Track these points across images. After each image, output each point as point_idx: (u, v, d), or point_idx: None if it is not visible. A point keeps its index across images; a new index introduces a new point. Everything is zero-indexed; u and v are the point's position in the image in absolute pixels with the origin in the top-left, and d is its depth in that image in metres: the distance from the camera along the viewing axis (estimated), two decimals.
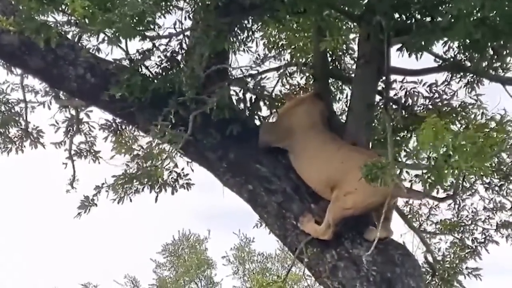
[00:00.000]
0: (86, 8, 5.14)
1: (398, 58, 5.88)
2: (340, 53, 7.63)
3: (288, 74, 7.40)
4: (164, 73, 6.36)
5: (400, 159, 6.65)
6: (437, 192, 6.95)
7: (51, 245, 25.07)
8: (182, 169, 6.80)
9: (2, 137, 7.91)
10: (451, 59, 6.59)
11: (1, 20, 5.72)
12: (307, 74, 7.46)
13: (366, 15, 6.02)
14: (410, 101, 6.98)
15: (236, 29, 6.19)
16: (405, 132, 7.01)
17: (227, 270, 20.40)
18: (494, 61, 6.54)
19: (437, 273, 7.77)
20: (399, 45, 5.84)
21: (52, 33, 5.61)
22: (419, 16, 5.74)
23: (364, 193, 5.42)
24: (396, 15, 5.81)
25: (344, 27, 7.24)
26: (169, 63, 6.46)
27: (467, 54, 6.35)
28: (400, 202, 7.70)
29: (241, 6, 6.01)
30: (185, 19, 6.50)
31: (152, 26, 5.62)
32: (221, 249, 20.61)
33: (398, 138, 7.00)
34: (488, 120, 6.58)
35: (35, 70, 6.54)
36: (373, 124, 6.76)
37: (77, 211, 6.74)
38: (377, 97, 6.71)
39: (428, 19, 5.67)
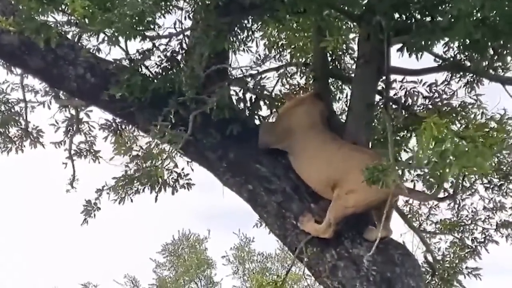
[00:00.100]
0: (86, 8, 5.15)
1: (398, 58, 5.89)
2: (340, 53, 7.63)
3: (288, 75, 7.41)
4: (164, 73, 6.36)
5: (400, 159, 6.64)
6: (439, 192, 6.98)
7: (51, 245, 25.07)
8: (182, 169, 6.81)
9: (2, 137, 7.92)
10: (451, 59, 6.58)
11: (1, 20, 5.72)
12: (307, 74, 7.47)
13: (366, 15, 6.02)
14: (410, 101, 6.99)
15: (236, 29, 6.20)
16: (405, 132, 7.01)
17: (227, 270, 20.41)
18: (494, 61, 6.54)
19: (437, 273, 7.77)
20: (399, 45, 5.83)
21: (52, 33, 5.62)
22: (419, 16, 5.74)
23: (366, 191, 5.42)
24: (396, 15, 5.80)
25: (344, 27, 7.25)
26: (169, 63, 6.46)
27: (467, 54, 6.34)
28: (400, 202, 7.71)
29: (241, 5, 6.01)
30: (185, 19, 6.52)
31: (152, 26, 5.62)
32: (221, 248, 20.62)
33: (398, 138, 7.01)
34: (488, 119, 6.59)
35: (35, 70, 6.54)
36: (373, 124, 6.77)
37: (80, 214, 6.83)
38: (377, 97, 6.71)
39: (428, 19, 5.67)
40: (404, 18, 5.80)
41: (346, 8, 6.30)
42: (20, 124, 7.92)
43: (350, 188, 5.66)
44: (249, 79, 6.40)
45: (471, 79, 6.93)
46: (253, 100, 6.49)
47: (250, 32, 6.42)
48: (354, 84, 6.54)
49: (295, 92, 7.38)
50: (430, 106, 6.98)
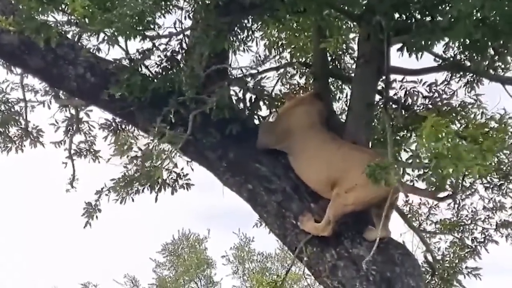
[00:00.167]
0: (86, 7, 5.15)
1: (398, 58, 5.89)
2: (340, 53, 7.64)
3: (288, 75, 7.42)
4: (164, 73, 6.36)
5: (400, 159, 6.65)
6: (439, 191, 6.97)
7: (51, 245, 25.08)
8: (182, 169, 6.81)
9: (2, 136, 7.92)
10: (451, 59, 6.59)
11: (1, 20, 5.72)
12: (307, 74, 7.48)
13: (366, 15, 6.02)
14: (410, 100, 6.98)
15: (236, 28, 6.20)
16: (405, 131, 7.01)
17: (226, 270, 20.42)
18: (494, 61, 6.54)
19: (436, 273, 7.77)
20: (399, 45, 5.83)
21: (52, 33, 5.62)
22: (419, 16, 5.74)
23: (365, 189, 5.42)
24: (396, 15, 5.81)
25: (344, 27, 7.25)
26: (169, 63, 6.46)
27: (467, 54, 6.34)
28: (400, 201, 7.71)
29: (241, 5, 6.01)
30: (185, 18, 6.52)
31: (152, 26, 5.63)
32: (221, 248, 20.63)
33: (398, 137, 7.01)
34: (488, 119, 6.59)
35: (35, 70, 6.54)
36: (373, 124, 6.77)
37: (80, 214, 6.81)
38: (377, 97, 6.72)
39: (428, 19, 5.67)
40: (404, 18, 5.81)
41: (346, 7, 6.31)
42: (20, 123, 7.93)
43: (350, 186, 5.67)
44: (249, 79, 6.40)
45: (471, 79, 6.93)
46: (253, 100, 6.49)
47: (250, 32, 6.42)
48: (354, 84, 6.54)
49: (295, 92, 7.39)
50: (430, 106, 6.98)
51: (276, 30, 7.63)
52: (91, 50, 6.19)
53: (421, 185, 6.59)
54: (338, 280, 5.89)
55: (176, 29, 6.43)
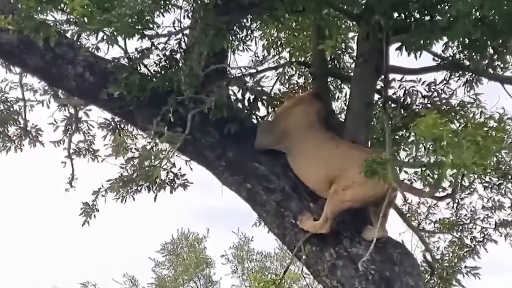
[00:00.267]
0: (85, 7, 5.15)
1: (397, 57, 5.89)
2: (339, 52, 7.64)
3: (287, 74, 7.42)
4: (162, 72, 6.36)
5: (399, 158, 6.65)
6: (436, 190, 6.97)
7: (50, 244, 25.07)
8: (179, 169, 6.82)
9: (1, 136, 7.91)
10: (450, 58, 6.59)
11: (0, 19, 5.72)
12: (305, 74, 7.48)
13: (365, 14, 6.01)
14: (409, 100, 6.98)
15: (235, 28, 6.19)
16: (404, 131, 7.01)
17: (226, 269, 20.42)
18: (493, 60, 6.54)
19: (435, 272, 7.77)
20: (398, 44, 5.83)
21: (51, 32, 5.62)
22: (418, 15, 5.73)
23: (363, 186, 5.42)
24: (395, 14, 5.80)
25: (343, 26, 7.25)
26: (167, 62, 6.45)
27: (466, 53, 6.34)
28: (399, 201, 7.71)
29: (240, 4, 6.01)
30: (184, 17, 6.52)
31: (150, 25, 5.62)
32: (220, 248, 20.62)
33: (397, 137, 7.01)
34: (487, 119, 6.60)
35: (34, 69, 6.54)
36: (372, 123, 6.77)
37: (78, 215, 6.82)
38: (376, 96, 6.72)
39: (427, 18, 5.66)
40: (403, 17, 5.80)
41: (345, 7, 6.30)
42: (19, 123, 7.92)
43: (348, 184, 5.67)
44: (248, 79, 6.39)
45: (470, 78, 6.93)
46: (251, 100, 6.49)
47: (249, 31, 6.42)
48: (353, 83, 6.54)
49: (294, 91, 7.39)
50: (429, 105, 6.98)
51: (275, 30, 7.63)
52: (90, 49, 6.19)
53: (419, 184, 6.63)
54: (337, 280, 5.89)
55: (175, 28, 6.43)
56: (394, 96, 6.94)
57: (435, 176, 4.77)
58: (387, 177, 4.78)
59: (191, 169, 6.90)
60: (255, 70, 6.58)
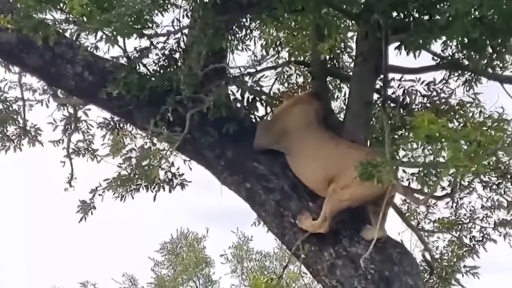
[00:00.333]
0: (84, 6, 5.15)
1: (396, 56, 5.89)
2: (338, 51, 7.64)
3: (286, 74, 7.42)
4: (161, 71, 6.36)
5: (398, 157, 6.65)
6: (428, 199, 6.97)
7: (49, 244, 25.04)
8: (178, 168, 6.82)
9: (0, 136, 7.91)
10: (449, 58, 6.59)
11: None
12: (304, 73, 7.48)
13: (364, 13, 6.01)
14: (408, 99, 6.98)
15: (234, 27, 6.19)
16: (403, 130, 7.01)
17: (225, 269, 20.39)
18: (492, 59, 6.54)
19: (435, 271, 7.78)
20: (397, 43, 5.83)
21: (50, 31, 5.62)
22: (417, 15, 5.73)
23: (361, 185, 5.42)
24: (394, 14, 5.80)
25: (342, 26, 7.25)
26: (166, 61, 6.45)
27: (465, 52, 6.35)
28: (398, 200, 7.71)
29: (239, 4, 6.01)
30: (183, 17, 6.52)
31: (149, 24, 5.62)
32: (219, 247, 20.60)
33: (396, 136, 7.00)
34: (486, 118, 6.61)
35: (33, 68, 6.54)
36: (371, 123, 6.76)
37: (75, 213, 6.82)
38: (375, 95, 6.72)
39: (426, 17, 5.66)
40: (402, 17, 5.80)
41: (344, 6, 6.30)
42: (18, 122, 7.92)
43: (346, 183, 5.66)
44: (247, 78, 6.39)
45: (470, 78, 6.93)
46: (250, 100, 6.49)
47: (248, 31, 6.42)
48: (352, 83, 6.54)
49: (293, 91, 7.39)
50: (428, 105, 6.98)
51: (274, 29, 7.63)
52: (89, 49, 6.19)
53: (416, 185, 6.62)
54: (337, 279, 5.89)
55: (174, 28, 6.42)
56: (393, 96, 6.94)
57: (433, 176, 4.77)
58: (383, 179, 4.76)
59: (191, 168, 6.90)
60: (254, 70, 6.59)
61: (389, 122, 6.13)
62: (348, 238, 6.00)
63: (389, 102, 6.85)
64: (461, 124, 6.87)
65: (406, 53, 5.79)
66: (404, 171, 6.77)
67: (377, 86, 6.62)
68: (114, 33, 5.39)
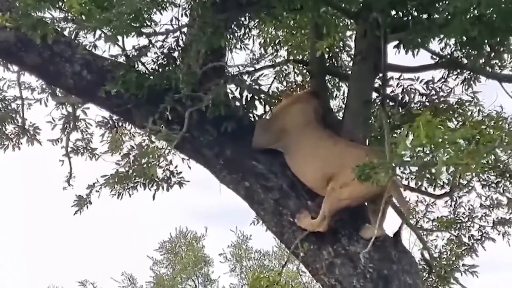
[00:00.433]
0: (83, 5, 5.14)
1: (395, 55, 5.89)
2: (337, 50, 7.63)
3: (284, 72, 7.42)
4: (160, 70, 6.35)
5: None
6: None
7: (48, 243, 25.07)
8: (176, 166, 6.82)
9: None
10: (448, 56, 6.59)
11: None
12: (302, 72, 7.48)
13: (362, 12, 6.01)
14: (407, 98, 6.98)
15: (232, 26, 6.19)
16: (402, 129, 6.99)
17: (224, 268, 20.45)
18: (491, 58, 6.54)
19: (433, 270, 7.78)
20: (395, 42, 5.83)
21: (49, 30, 5.61)
22: (415, 13, 5.72)
23: (360, 184, 5.41)
24: (393, 12, 5.80)
25: (341, 24, 7.25)
26: (165, 60, 6.44)
27: (464, 51, 6.34)
28: None
29: (238, 2, 6.00)
30: (182, 15, 6.51)
31: (148, 23, 5.62)
32: (218, 246, 20.64)
33: (395, 135, 6.99)
34: (485, 117, 6.61)
35: (32, 67, 6.53)
36: (370, 121, 6.76)
37: (79, 216, 6.90)
38: (374, 94, 6.72)
39: (425, 16, 5.66)
40: (401, 15, 5.79)
41: (343, 5, 6.30)
42: (16, 121, 7.91)
43: (345, 182, 5.65)
44: (245, 77, 6.39)
45: (468, 77, 6.93)
46: (249, 98, 6.49)
47: (247, 29, 6.41)
48: (351, 81, 6.53)
49: (291, 90, 7.39)
50: (427, 104, 6.98)
51: (273, 28, 7.63)
52: (87, 47, 6.18)
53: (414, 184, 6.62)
54: (335, 278, 5.89)
55: (172, 26, 6.42)
56: (392, 94, 6.94)
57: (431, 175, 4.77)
58: (381, 180, 4.76)
59: (190, 167, 6.90)
60: (252, 68, 6.59)
61: (388, 120, 6.13)
62: (347, 237, 6.00)
63: (388, 100, 6.84)
64: (460, 123, 6.87)
65: (405, 52, 5.79)
66: (402, 172, 6.77)
67: (376, 85, 6.62)
68: (113, 31, 5.39)
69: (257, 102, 6.58)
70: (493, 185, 7.64)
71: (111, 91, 6.07)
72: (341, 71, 7.62)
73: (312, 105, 6.40)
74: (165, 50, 6.46)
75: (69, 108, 7.84)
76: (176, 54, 6.48)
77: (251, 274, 18.76)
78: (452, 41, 5.97)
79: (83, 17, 5.31)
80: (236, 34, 6.29)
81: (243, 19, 6.27)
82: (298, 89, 7.42)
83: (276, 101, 6.94)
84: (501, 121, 6.15)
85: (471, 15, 5.02)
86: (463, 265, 7.94)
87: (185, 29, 6.50)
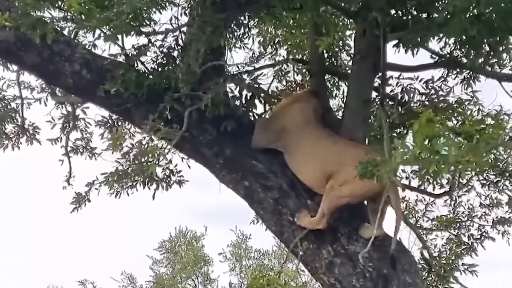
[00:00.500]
0: (82, 4, 5.14)
1: (394, 54, 5.89)
2: (337, 49, 7.63)
3: (284, 72, 7.42)
4: (160, 69, 6.35)
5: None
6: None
7: (48, 243, 25.03)
8: (176, 165, 6.81)
9: None
10: (448, 56, 6.59)
11: None
12: (302, 72, 7.48)
13: (362, 11, 6.01)
14: (406, 97, 6.99)
15: (232, 25, 6.19)
16: (402, 128, 7.01)
17: (224, 267, 20.40)
18: (490, 57, 6.54)
19: (433, 269, 7.78)
20: (395, 41, 5.83)
21: (48, 29, 5.62)
22: (415, 12, 5.73)
23: (360, 182, 5.41)
24: (392, 11, 5.80)
25: (340, 24, 7.24)
26: (165, 59, 6.45)
27: (463, 50, 6.34)
28: None
29: (237, 2, 6.01)
30: (181, 15, 6.51)
31: (148, 22, 5.62)
32: (218, 245, 20.60)
33: (395, 134, 7.00)
34: (484, 116, 6.61)
35: (31, 66, 6.53)
36: (370, 120, 6.76)
37: (79, 216, 6.90)
38: (374, 93, 6.72)
39: (424, 15, 5.66)
40: (400, 14, 5.79)
41: (342, 4, 6.30)
42: (16, 121, 7.92)
43: (345, 180, 5.66)
44: (245, 76, 6.39)
45: (468, 76, 6.92)
46: (248, 98, 6.48)
47: (247, 29, 6.41)
48: (350, 81, 6.54)
49: (291, 89, 7.39)
50: (427, 103, 6.98)
51: (272, 27, 7.63)
52: (87, 47, 6.18)
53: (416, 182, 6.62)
54: (335, 277, 5.90)
55: (172, 26, 6.42)
56: (392, 94, 6.94)
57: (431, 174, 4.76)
58: (383, 178, 4.76)
59: (189, 166, 6.89)
60: (252, 68, 6.59)
61: (388, 120, 6.13)
62: (346, 236, 6.00)
63: (387, 100, 6.85)
64: (460, 122, 6.87)
65: (404, 51, 5.80)
66: (403, 170, 6.79)
67: (376, 84, 6.63)
68: (113, 31, 5.39)
69: (256, 101, 6.58)
70: (493, 184, 7.63)
71: (111, 91, 6.08)
72: (340, 70, 7.62)
73: (311, 105, 6.40)
74: (164, 50, 6.47)
75: (68, 107, 7.84)
76: (175, 53, 6.49)
77: (250, 273, 18.77)
78: (452, 40, 5.97)
79: (83, 16, 5.31)
80: (235, 33, 6.30)
81: (242, 18, 6.27)
82: (297, 88, 7.42)
83: (276, 100, 6.94)
84: (500, 120, 6.14)
85: (471, 14, 5.01)
86: (463, 264, 7.94)
87: (184, 29, 6.50)
